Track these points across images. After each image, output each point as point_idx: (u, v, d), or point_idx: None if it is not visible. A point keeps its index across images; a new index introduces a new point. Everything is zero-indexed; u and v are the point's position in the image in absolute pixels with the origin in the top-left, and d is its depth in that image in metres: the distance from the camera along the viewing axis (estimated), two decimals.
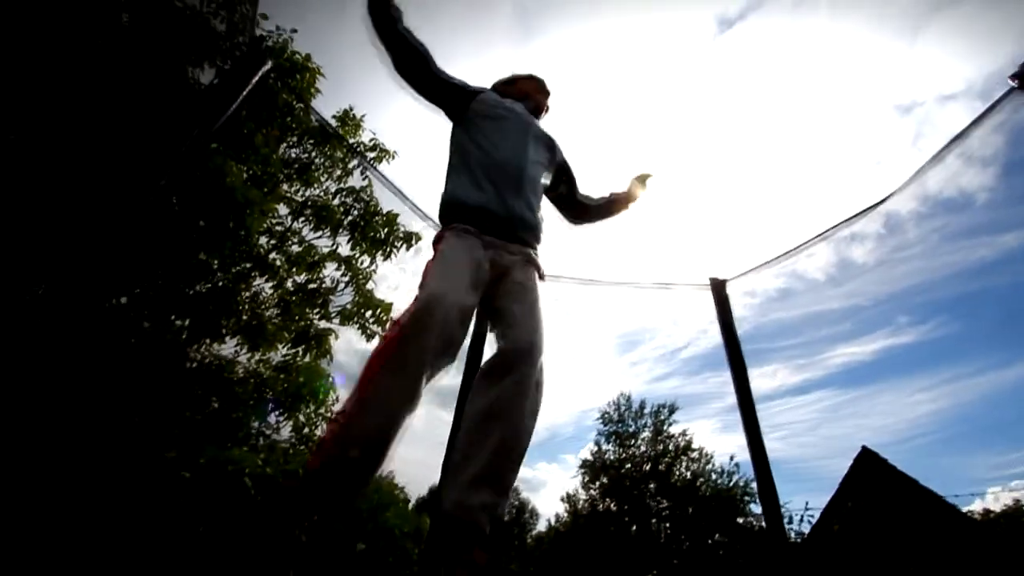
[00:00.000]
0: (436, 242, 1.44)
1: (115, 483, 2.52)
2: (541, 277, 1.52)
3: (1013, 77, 1.57)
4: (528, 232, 1.51)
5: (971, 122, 1.77)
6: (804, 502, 14.09)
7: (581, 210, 1.93)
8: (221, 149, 3.27)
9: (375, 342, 4.98)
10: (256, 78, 1.49)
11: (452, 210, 1.47)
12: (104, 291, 3.31)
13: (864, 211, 1.94)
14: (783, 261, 2.45)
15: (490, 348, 1.42)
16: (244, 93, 1.45)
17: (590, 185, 1.98)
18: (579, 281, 2.52)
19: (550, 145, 1.74)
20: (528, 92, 1.83)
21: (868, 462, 12.61)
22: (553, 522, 21.38)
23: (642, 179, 1.98)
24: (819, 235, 2.06)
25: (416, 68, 1.59)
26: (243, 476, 2.80)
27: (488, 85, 1.85)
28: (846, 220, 2.02)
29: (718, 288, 2.32)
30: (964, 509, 12.47)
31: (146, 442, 3.34)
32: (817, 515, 13.12)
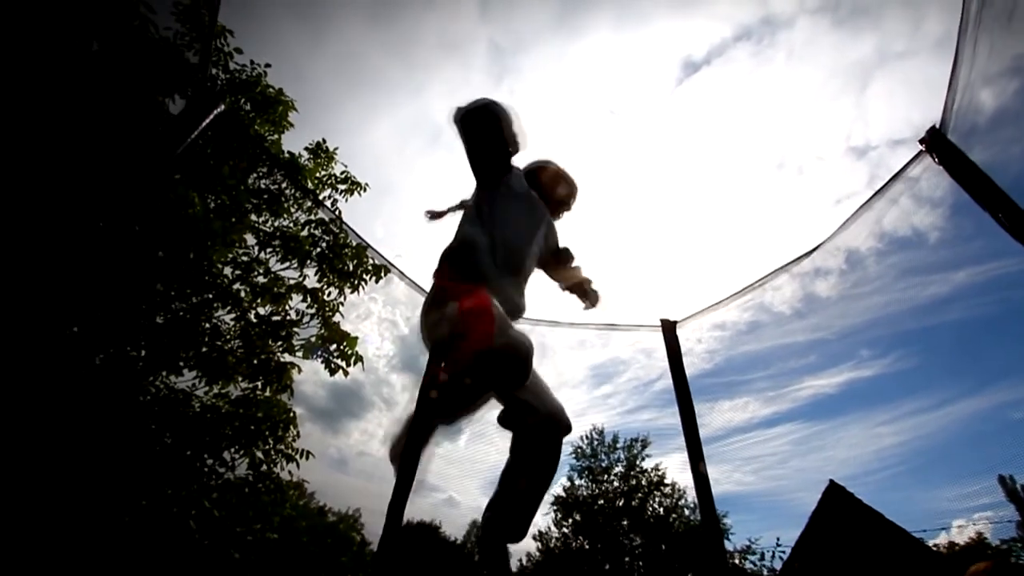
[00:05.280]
0: (482, 304, 1.48)
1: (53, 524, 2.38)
2: None
3: (922, 141, 1.70)
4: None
5: (880, 187, 1.90)
6: (776, 538, 14.09)
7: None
8: (182, 179, 3.25)
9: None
10: (208, 120, 1.53)
11: (477, 276, 1.58)
12: (54, 320, 3.20)
13: (784, 265, 2.07)
14: (735, 300, 2.54)
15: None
16: (194, 134, 1.48)
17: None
18: (529, 322, 2.56)
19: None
20: (549, 195, 1.94)
21: (836, 496, 12.73)
22: (524, 562, 20.73)
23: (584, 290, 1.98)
24: (761, 279, 2.17)
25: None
26: (188, 519, 2.69)
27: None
28: (778, 268, 2.13)
29: (669, 329, 2.39)
30: (930, 542, 12.61)
31: (91, 480, 3.17)
32: (788, 551, 13.13)
